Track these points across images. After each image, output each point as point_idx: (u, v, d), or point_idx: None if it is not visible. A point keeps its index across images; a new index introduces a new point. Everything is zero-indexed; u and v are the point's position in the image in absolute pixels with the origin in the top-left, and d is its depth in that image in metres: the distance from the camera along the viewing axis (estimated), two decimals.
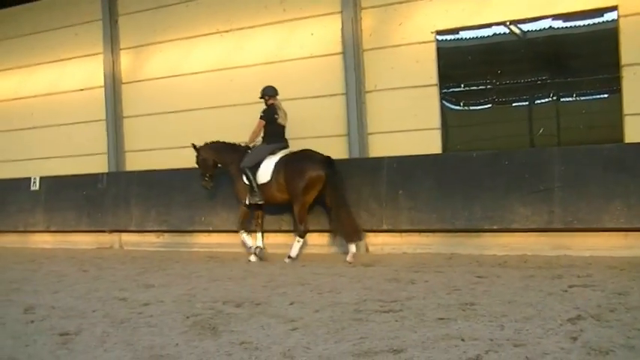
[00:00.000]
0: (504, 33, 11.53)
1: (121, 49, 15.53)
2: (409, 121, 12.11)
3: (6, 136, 17.37)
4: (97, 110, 15.72)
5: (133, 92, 15.41)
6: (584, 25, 10.91)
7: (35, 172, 15.92)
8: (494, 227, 10.34)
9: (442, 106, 11.95)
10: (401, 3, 12.21)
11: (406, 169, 11.22)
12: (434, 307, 6.62)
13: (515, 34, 11.48)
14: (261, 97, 11.64)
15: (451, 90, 11.95)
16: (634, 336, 5.20)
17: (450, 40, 11.95)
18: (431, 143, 11.89)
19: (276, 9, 13.42)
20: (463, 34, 11.86)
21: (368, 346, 5.31)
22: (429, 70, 11.99)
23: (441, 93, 11.94)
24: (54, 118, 16.49)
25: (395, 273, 8.99)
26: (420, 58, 12.07)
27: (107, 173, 15.09)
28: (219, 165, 11.94)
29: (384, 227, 11.18)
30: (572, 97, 11.14)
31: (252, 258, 11.26)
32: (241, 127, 12.45)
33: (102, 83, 15.62)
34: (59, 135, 16.42)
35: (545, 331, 5.45)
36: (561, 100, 11.14)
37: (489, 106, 11.67)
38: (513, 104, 11.65)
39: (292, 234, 11.37)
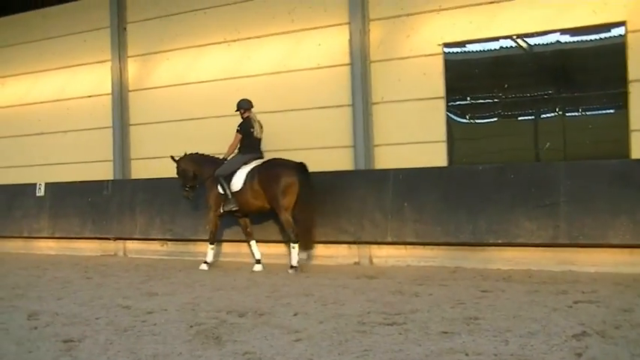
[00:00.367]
0: (511, 47, 11.53)
1: (128, 57, 15.57)
2: (415, 134, 12.11)
3: (13, 141, 17.41)
4: (103, 117, 15.75)
5: (140, 100, 15.44)
6: (591, 40, 10.91)
7: (41, 178, 15.97)
8: (499, 241, 10.33)
9: (448, 119, 11.94)
10: (409, 15, 12.22)
11: (412, 182, 11.22)
12: (438, 321, 6.61)
13: (522, 47, 11.48)
14: (236, 110, 11.92)
15: (458, 103, 11.94)
16: (639, 354, 5.19)
17: (458, 52, 11.95)
18: (437, 156, 11.88)
19: (284, 19, 13.44)
20: (470, 47, 11.86)
21: (372, 359, 5.30)
22: (435, 82, 11.99)
23: (447, 105, 11.93)
24: (61, 124, 16.53)
25: (399, 285, 8.98)
26: (427, 70, 12.07)
27: (112, 180, 15.13)
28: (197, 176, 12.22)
29: (389, 239, 11.17)
30: (578, 111, 11.12)
31: (204, 266, 11.71)
32: None
33: (109, 90, 15.66)
34: (65, 141, 16.45)
35: (549, 347, 5.44)
36: (567, 114, 11.13)
37: (495, 119, 11.65)
38: (519, 118, 11.63)
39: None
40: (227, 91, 13.83)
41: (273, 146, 12.94)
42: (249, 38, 13.89)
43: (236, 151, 11.89)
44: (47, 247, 15.47)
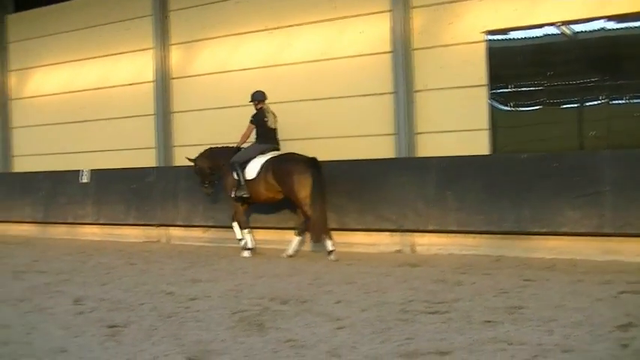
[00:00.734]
0: (555, 34, 11.37)
1: (171, 45, 15.64)
2: (458, 121, 12.02)
3: (58, 129, 17.59)
4: (146, 105, 15.87)
5: (182, 87, 15.52)
6: (637, 27, 10.73)
7: (85, 164, 16.11)
8: (543, 230, 10.23)
9: (491, 107, 11.82)
10: (451, 2, 12.11)
11: (454, 170, 11.16)
12: (481, 310, 6.59)
13: (566, 34, 11.33)
14: (250, 102, 12.11)
15: (500, 90, 11.82)
16: None
17: (501, 40, 11.82)
18: (479, 144, 11.78)
19: (326, 6, 13.39)
20: (514, 35, 11.73)
21: (414, 347, 5.30)
22: (478, 70, 11.88)
23: (490, 93, 11.82)
24: (104, 112, 16.68)
25: (441, 274, 8.96)
26: (469, 58, 11.97)
27: (156, 167, 15.27)
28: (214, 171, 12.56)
29: (430, 227, 11.13)
30: (623, 99, 10.96)
31: (246, 253, 11.82)
32: (286, 124, 12.50)
33: (152, 78, 15.76)
34: (109, 129, 16.61)
35: (594, 338, 5.39)
36: (612, 102, 10.97)
37: (539, 107, 11.52)
38: (563, 106, 11.47)
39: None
40: (268, 78, 13.84)
41: (315, 134, 12.98)
42: (290, 26, 13.87)
43: (253, 140, 12.13)
44: (91, 233, 15.64)
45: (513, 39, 11.73)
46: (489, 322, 6.08)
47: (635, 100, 10.85)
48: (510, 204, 10.50)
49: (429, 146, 12.24)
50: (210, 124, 14.71)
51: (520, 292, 7.52)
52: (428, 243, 11.32)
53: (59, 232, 16.15)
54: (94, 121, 16.89)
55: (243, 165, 11.72)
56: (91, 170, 15.69)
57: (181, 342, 5.71)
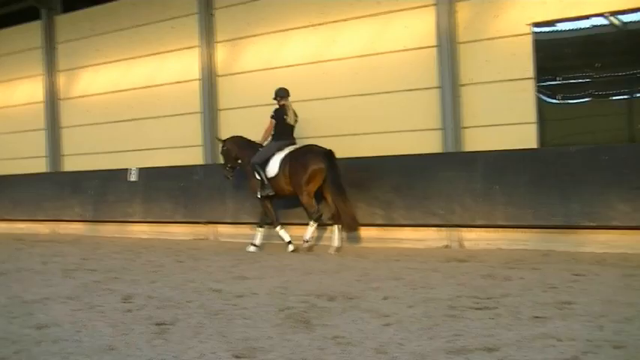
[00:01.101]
0: (603, 24, 11.21)
1: (216, 42, 15.74)
2: (505, 115, 11.92)
3: (106, 127, 17.80)
4: (192, 103, 16.00)
5: (228, 85, 15.62)
6: None
7: (133, 163, 16.30)
8: (593, 224, 10.11)
9: (538, 100, 11.71)
10: None
11: (502, 164, 11.08)
12: (529, 305, 6.52)
13: (614, 25, 11.17)
14: (274, 98, 12.34)
15: (548, 83, 11.70)
16: None
17: (547, 32, 11.69)
18: (527, 138, 11.67)
19: (370, 1, 13.36)
20: (560, 26, 11.59)
21: (462, 344, 5.26)
22: (525, 62, 11.77)
23: (537, 86, 11.70)
24: (151, 110, 16.86)
25: (490, 269, 8.88)
26: (515, 50, 11.86)
27: (203, 165, 15.37)
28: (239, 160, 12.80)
29: (478, 222, 11.06)
30: None
31: (290, 247, 11.98)
32: (332, 119, 12.57)
33: (198, 76, 15.88)
34: (156, 127, 16.78)
35: None
36: None
37: (587, 99, 11.38)
38: (612, 98, 11.32)
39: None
40: (313, 75, 13.88)
41: (361, 130, 12.98)
42: (334, 21, 13.86)
43: (269, 138, 12.33)
44: (140, 231, 15.81)
45: (560, 30, 11.59)
46: (538, 317, 6.01)
47: None
48: (559, 198, 10.38)
49: (476, 140, 12.16)
50: (256, 121, 14.63)
51: (569, 287, 7.43)
52: (476, 238, 11.25)
53: (108, 230, 16.34)
54: (141, 119, 17.07)
55: (263, 165, 11.98)
56: (139, 169, 15.86)
57: (228, 339, 5.72)
